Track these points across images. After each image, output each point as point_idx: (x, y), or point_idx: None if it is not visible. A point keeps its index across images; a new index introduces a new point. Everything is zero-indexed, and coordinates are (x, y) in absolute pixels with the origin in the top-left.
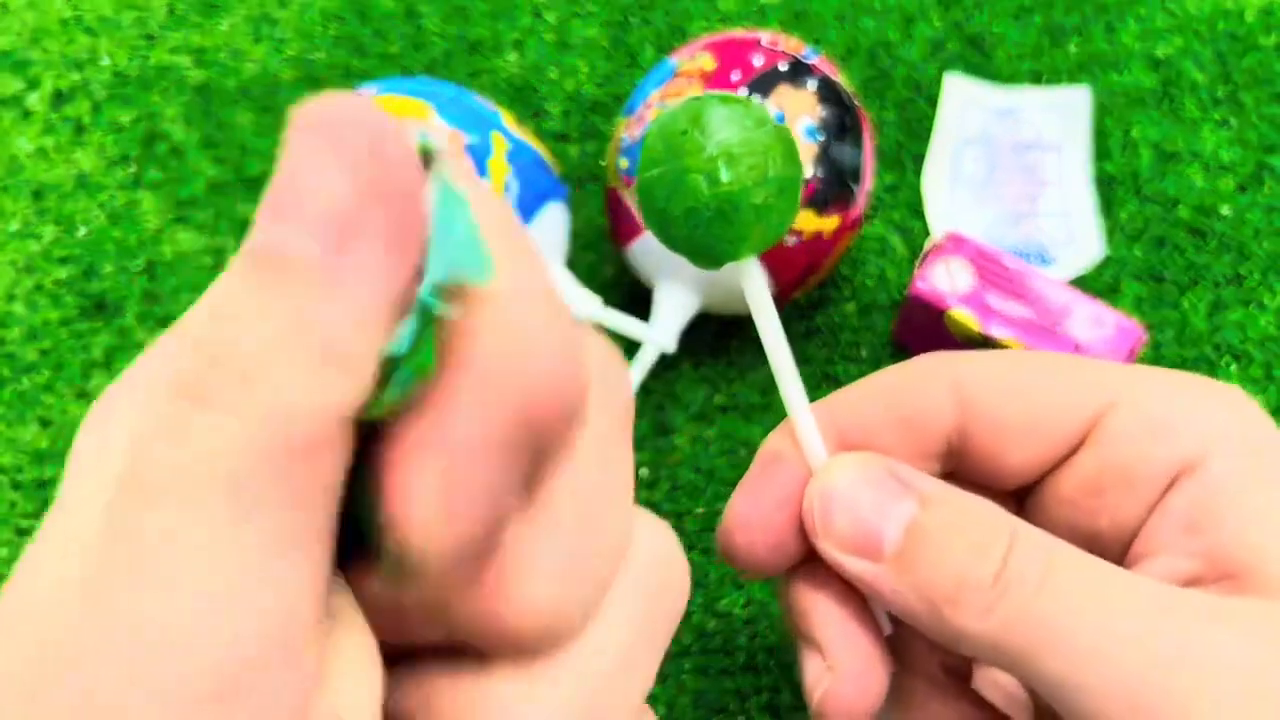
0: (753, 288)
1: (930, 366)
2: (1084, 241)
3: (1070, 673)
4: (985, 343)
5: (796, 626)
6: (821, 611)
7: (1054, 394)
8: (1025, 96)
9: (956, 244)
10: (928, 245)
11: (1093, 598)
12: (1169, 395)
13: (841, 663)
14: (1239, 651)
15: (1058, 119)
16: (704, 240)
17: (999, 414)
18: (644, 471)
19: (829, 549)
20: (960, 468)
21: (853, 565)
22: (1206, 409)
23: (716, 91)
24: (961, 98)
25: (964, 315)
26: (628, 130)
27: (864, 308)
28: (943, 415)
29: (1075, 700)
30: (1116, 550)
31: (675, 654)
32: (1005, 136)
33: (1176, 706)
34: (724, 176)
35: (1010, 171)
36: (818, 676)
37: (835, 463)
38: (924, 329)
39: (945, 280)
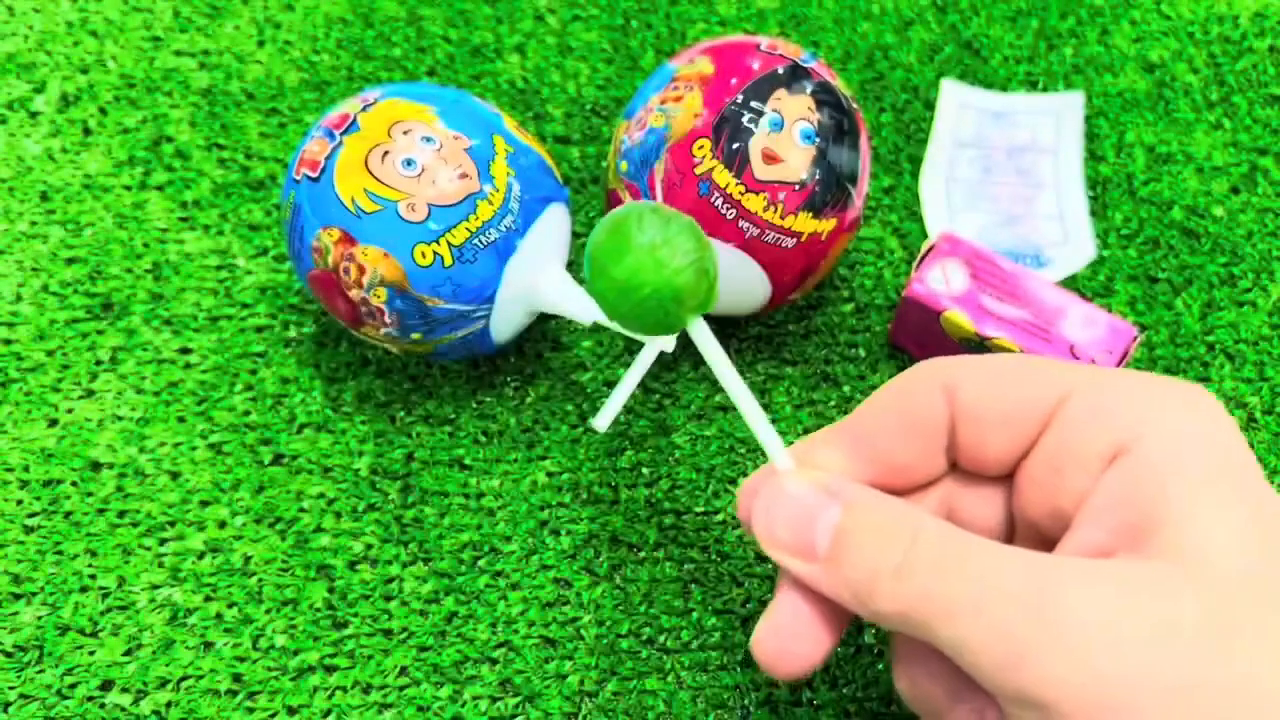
0: (701, 339)
1: (924, 374)
2: (1078, 243)
3: (958, 635)
4: (981, 343)
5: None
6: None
7: (1023, 388)
8: (1019, 101)
9: (952, 246)
10: (924, 247)
11: (977, 573)
12: (1119, 387)
13: (783, 621)
14: (1090, 603)
15: (1052, 122)
16: (655, 322)
17: (979, 409)
18: (644, 471)
19: (776, 554)
20: (959, 460)
21: (796, 567)
22: (1151, 400)
23: (632, 205)
24: (956, 102)
25: (959, 316)
26: (628, 133)
27: (861, 308)
28: (938, 416)
29: (965, 658)
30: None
31: (674, 650)
32: (1000, 140)
33: (1035, 654)
34: (661, 273)
35: (1005, 174)
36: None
37: (776, 480)
38: (920, 330)
39: (941, 282)
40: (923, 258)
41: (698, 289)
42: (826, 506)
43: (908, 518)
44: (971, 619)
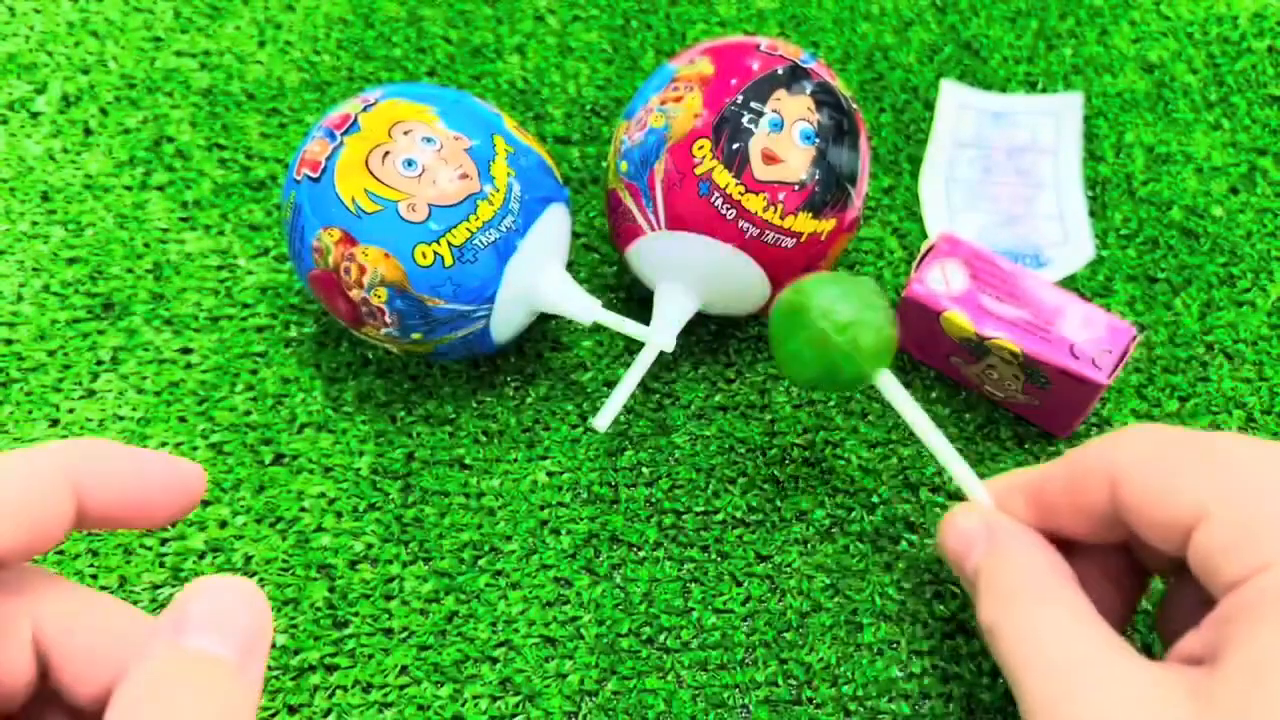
0: (890, 390)
1: (1092, 462)
2: (1077, 243)
3: (1021, 682)
4: (980, 343)
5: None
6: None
7: (1168, 499)
8: (1019, 101)
9: (952, 246)
10: (923, 248)
11: (1051, 640)
12: (1253, 507)
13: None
14: (1122, 698)
15: (1051, 123)
16: (841, 378)
17: (1137, 510)
18: (644, 470)
19: (942, 551)
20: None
21: (954, 566)
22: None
23: (818, 275)
24: (956, 102)
25: (959, 317)
26: (628, 133)
27: None
28: (1103, 507)
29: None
30: None
31: (674, 649)
32: (1000, 140)
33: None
34: (842, 336)
35: (1005, 174)
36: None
37: (961, 508)
38: (920, 329)
39: (940, 282)
40: (922, 258)
41: (876, 348)
42: (978, 544)
43: (1030, 577)
44: (1029, 681)
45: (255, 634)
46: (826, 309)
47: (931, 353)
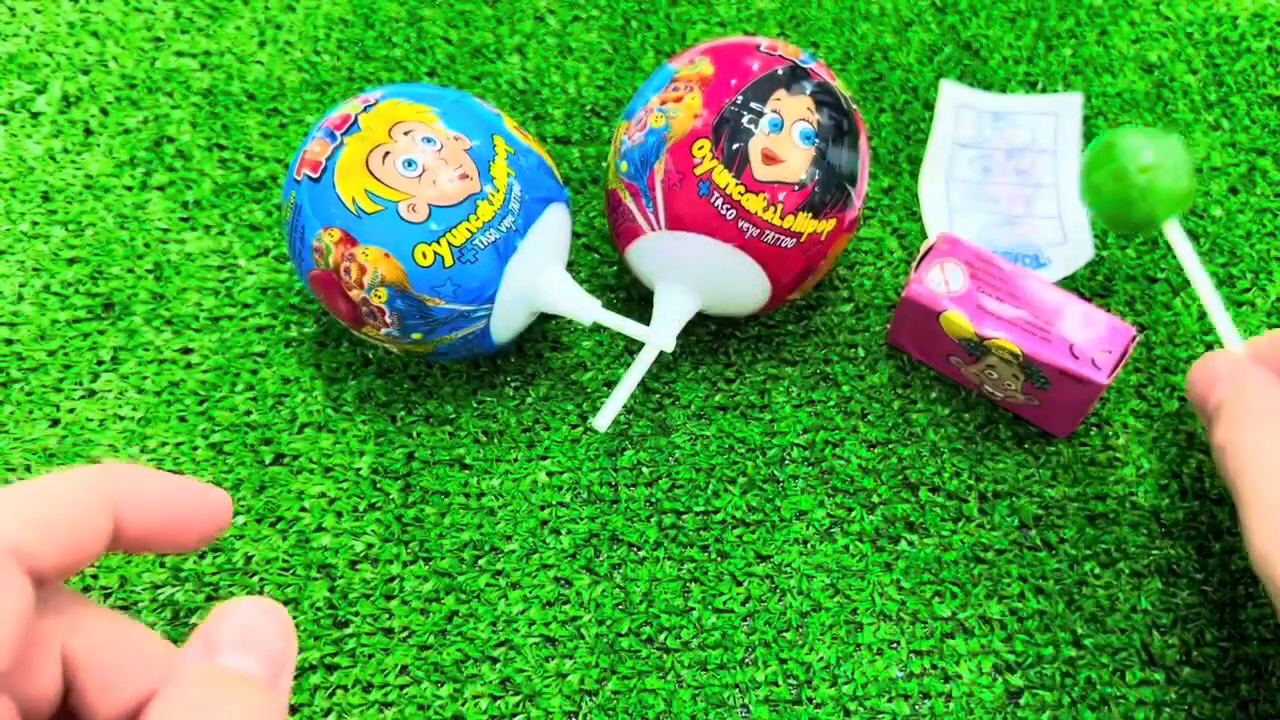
0: (1176, 240)
1: None
2: (1077, 243)
3: (1243, 490)
4: (980, 343)
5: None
6: None
7: None
8: (1018, 102)
9: (951, 246)
10: (923, 248)
11: (1274, 448)
12: None
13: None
14: None
15: (1051, 123)
16: (1133, 217)
17: None
18: (644, 470)
19: (1191, 391)
20: None
21: (1198, 404)
22: None
23: (1135, 127)
24: (955, 102)
25: (958, 317)
26: (628, 134)
27: (860, 308)
28: None
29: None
30: None
31: (674, 648)
32: (999, 140)
33: None
34: (1142, 176)
35: (1004, 174)
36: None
37: (1212, 353)
38: (919, 330)
39: (940, 283)
40: (922, 258)
41: (1171, 194)
42: (1224, 381)
43: (1255, 411)
44: (1253, 480)
45: (284, 653)
46: (1135, 149)
47: (931, 352)
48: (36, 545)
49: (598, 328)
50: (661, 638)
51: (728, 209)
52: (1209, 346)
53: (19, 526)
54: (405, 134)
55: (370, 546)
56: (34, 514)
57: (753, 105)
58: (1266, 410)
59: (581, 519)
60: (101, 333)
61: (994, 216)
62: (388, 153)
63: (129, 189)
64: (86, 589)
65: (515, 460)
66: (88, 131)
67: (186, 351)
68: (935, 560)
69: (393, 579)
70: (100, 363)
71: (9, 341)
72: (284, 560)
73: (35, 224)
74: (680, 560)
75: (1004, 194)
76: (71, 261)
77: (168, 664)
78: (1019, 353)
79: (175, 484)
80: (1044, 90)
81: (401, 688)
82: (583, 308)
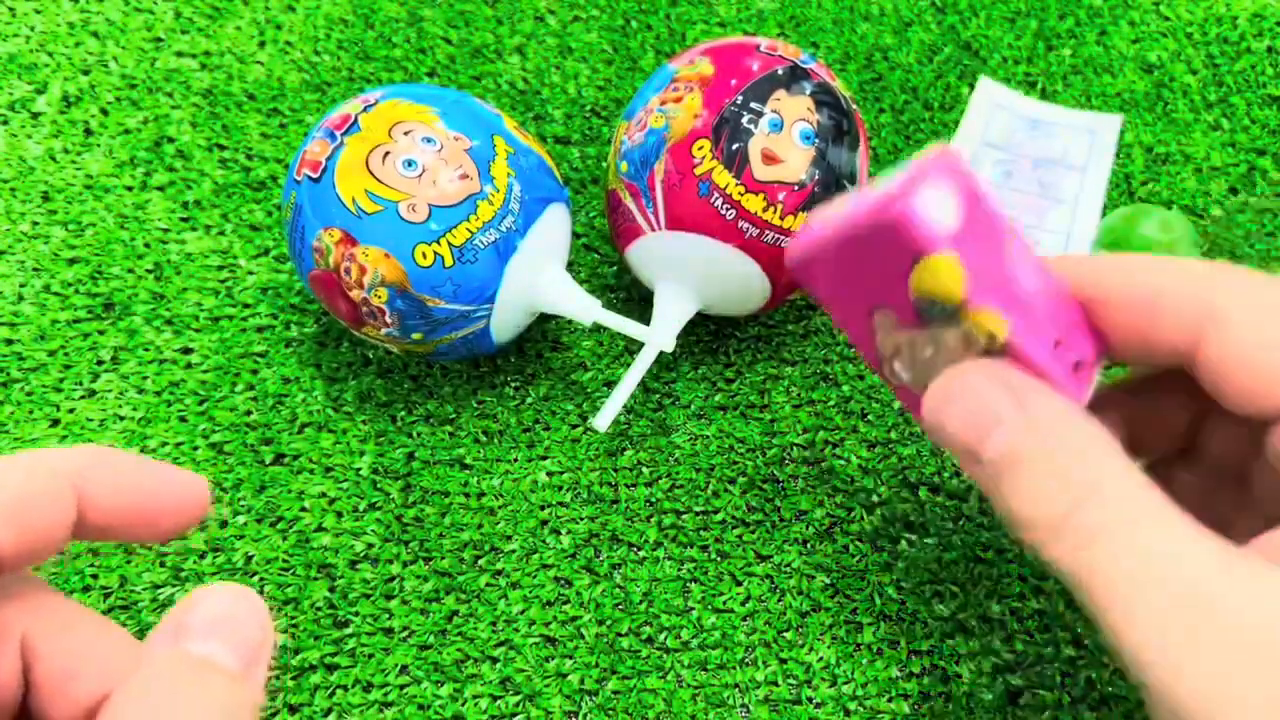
0: None
1: (1182, 285)
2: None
3: (1111, 616)
4: (954, 313)
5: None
6: None
7: None
8: (1057, 113)
9: (949, 168)
10: (911, 163)
11: (1145, 555)
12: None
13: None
14: (1260, 626)
15: (1086, 141)
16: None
17: (1233, 354)
18: (644, 470)
19: (934, 425)
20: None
21: (956, 448)
22: None
23: (1146, 207)
24: (990, 101)
25: (952, 267)
26: (628, 134)
27: None
28: (1177, 335)
29: (1113, 637)
30: None
31: (674, 648)
32: (1030, 148)
33: (1190, 666)
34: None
35: (1027, 184)
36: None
37: (967, 365)
38: (860, 265)
39: (941, 211)
40: (911, 176)
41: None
42: (1005, 419)
43: (1090, 463)
44: (1126, 603)
45: (258, 642)
46: (1138, 229)
47: (850, 297)
48: None
49: (598, 328)
50: (661, 637)
51: (727, 209)
52: None
53: None
54: (405, 134)
55: (370, 546)
56: None
57: (752, 105)
58: (1114, 494)
59: (581, 519)
60: (102, 333)
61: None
62: (388, 153)
63: (129, 189)
64: (86, 589)
65: (515, 460)
66: (88, 132)
67: (187, 351)
68: (935, 560)
69: (393, 579)
70: (100, 363)
71: (9, 341)
72: (284, 560)
73: (35, 224)
74: (680, 560)
75: (1020, 202)
76: (72, 261)
77: (134, 658)
78: (1001, 340)
79: (148, 468)
80: (1043, 90)
81: (401, 688)
82: (583, 308)
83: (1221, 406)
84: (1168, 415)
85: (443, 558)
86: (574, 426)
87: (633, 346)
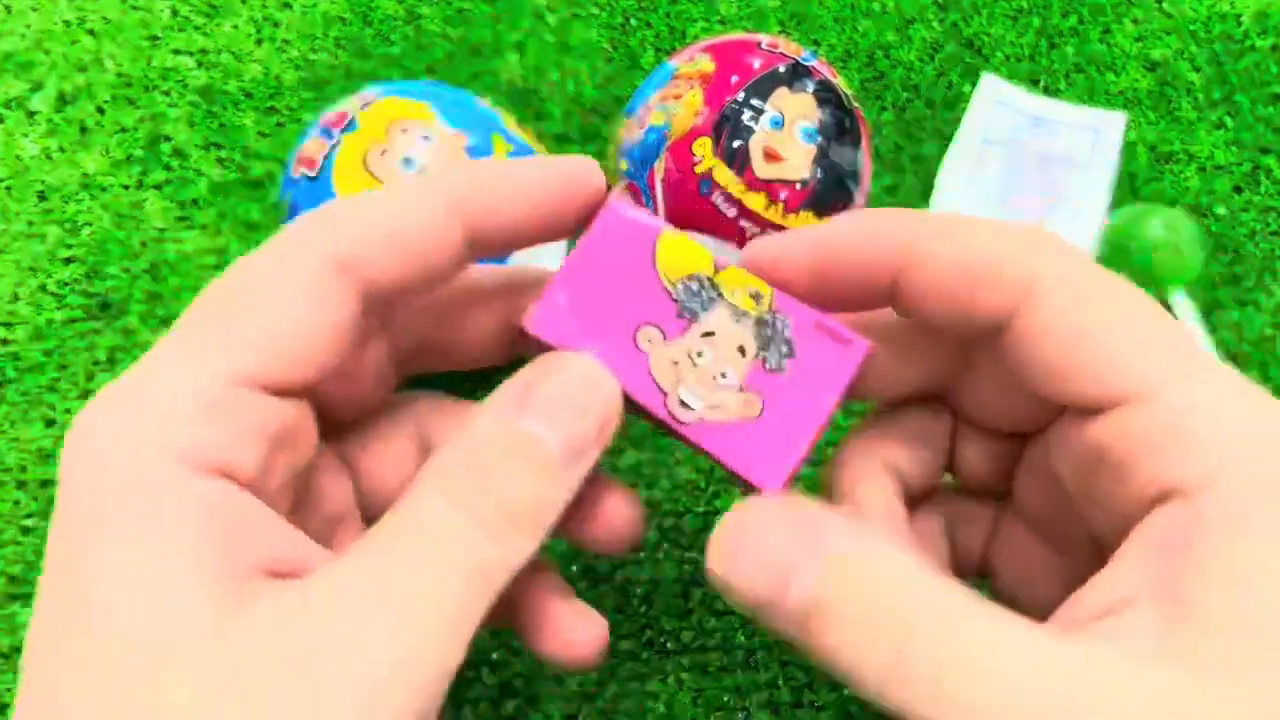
0: (1180, 310)
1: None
2: None
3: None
4: (708, 284)
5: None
6: None
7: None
8: (1062, 110)
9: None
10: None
11: (985, 676)
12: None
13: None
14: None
15: (1090, 139)
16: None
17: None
18: (644, 471)
19: (723, 585)
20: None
21: (750, 604)
22: (1238, 430)
23: (1151, 207)
24: (993, 98)
25: (686, 240)
26: (628, 132)
27: None
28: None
29: None
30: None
31: (674, 651)
32: (1033, 145)
33: None
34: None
35: (1030, 181)
36: None
37: (750, 507)
38: (604, 284)
39: (642, 211)
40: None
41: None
42: (801, 568)
43: (902, 600)
44: None
45: (595, 437)
46: (1143, 228)
47: (607, 324)
48: (367, 257)
49: None
50: (662, 641)
51: (729, 207)
52: (1212, 348)
53: (349, 241)
54: (403, 132)
55: None
56: (364, 227)
57: (754, 103)
58: (950, 648)
59: None
60: (98, 333)
61: (1005, 220)
62: (385, 151)
63: (125, 188)
64: None
65: None
66: (84, 130)
67: None
68: None
69: None
70: (96, 363)
71: (4, 342)
72: None
73: (31, 223)
74: (681, 562)
75: (1024, 200)
76: (68, 261)
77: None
78: (768, 293)
79: (532, 170)
80: (1046, 88)
81: None
82: None
83: (975, 429)
84: (927, 441)
85: None
86: None
87: None
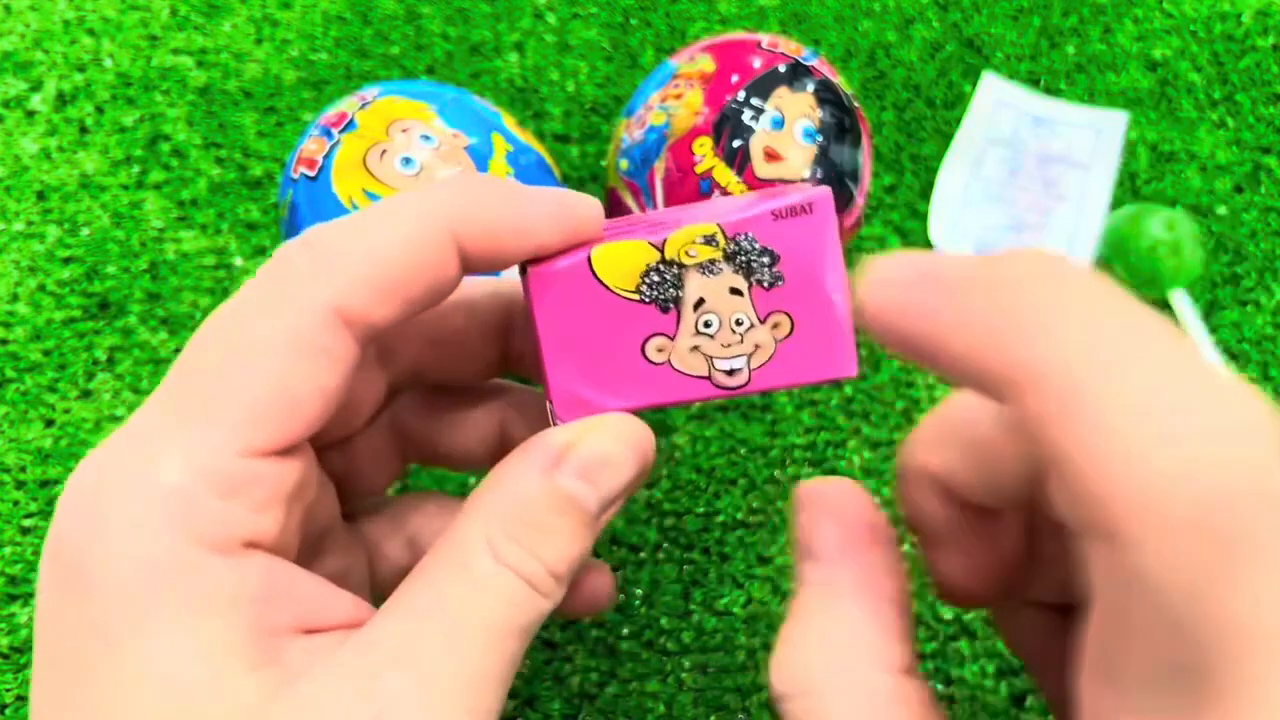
0: (1180, 310)
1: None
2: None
3: None
4: (668, 265)
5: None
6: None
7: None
8: (1062, 110)
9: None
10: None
11: None
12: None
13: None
14: None
15: (1091, 138)
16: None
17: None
18: None
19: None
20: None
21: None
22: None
23: (1151, 206)
24: (994, 98)
25: (616, 246)
26: (628, 131)
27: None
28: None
29: None
30: None
31: (675, 652)
32: (1035, 145)
33: None
34: (1163, 253)
35: (1031, 180)
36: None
37: (811, 488)
38: (580, 330)
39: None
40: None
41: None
42: (806, 552)
43: (827, 658)
44: None
45: (624, 492)
46: (1143, 227)
47: (616, 367)
48: (366, 302)
49: None
50: (662, 641)
51: None
52: (1213, 348)
53: (346, 284)
54: (403, 132)
55: None
56: (362, 267)
57: (754, 102)
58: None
59: None
60: (97, 333)
61: (1006, 219)
62: (385, 150)
63: (125, 188)
64: None
65: None
66: (83, 129)
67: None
68: None
69: None
70: (96, 363)
71: (4, 342)
72: None
73: (30, 223)
74: (681, 562)
75: (1024, 200)
76: (67, 261)
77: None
78: (716, 231)
79: (541, 205)
80: (1047, 88)
81: None
82: None
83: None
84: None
85: None
86: None
87: None
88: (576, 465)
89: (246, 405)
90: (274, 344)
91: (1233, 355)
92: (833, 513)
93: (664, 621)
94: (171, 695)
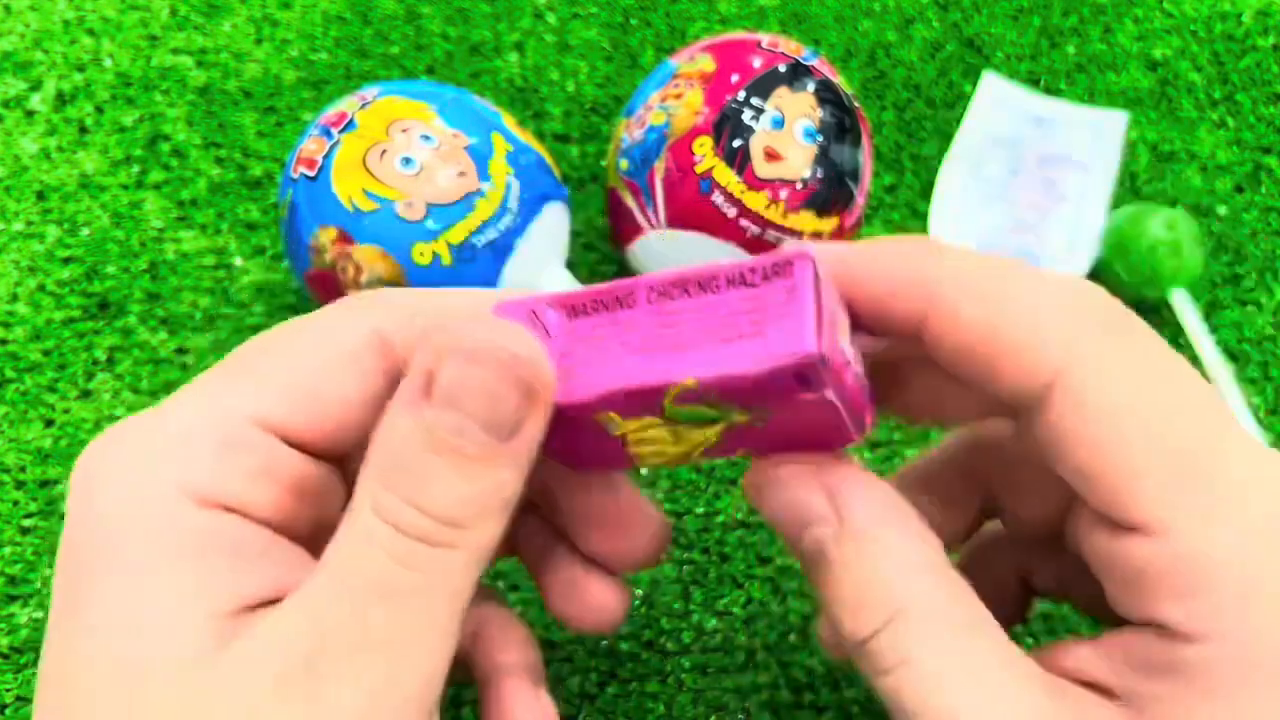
0: (1181, 310)
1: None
2: (1076, 259)
3: None
4: (618, 436)
5: None
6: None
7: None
8: (1062, 109)
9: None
10: None
11: (941, 686)
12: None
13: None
14: None
15: (1090, 138)
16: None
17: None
18: (644, 471)
19: (754, 504)
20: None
21: (774, 525)
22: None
23: (1151, 206)
24: (995, 97)
25: (610, 416)
26: (628, 131)
27: None
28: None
29: None
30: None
31: (674, 652)
32: (1034, 145)
33: None
34: (1163, 253)
35: (1030, 180)
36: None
37: (795, 468)
38: (581, 438)
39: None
40: None
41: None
42: (816, 517)
43: (898, 582)
44: None
45: (522, 404)
46: (1143, 227)
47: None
48: (407, 342)
49: None
50: (661, 641)
51: (729, 207)
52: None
53: (393, 322)
54: (403, 132)
55: None
56: (411, 313)
57: (754, 102)
58: (931, 645)
59: None
60: (97, 333)
61: (1007, 219)
62: (385, 150)
63: (124, 187)
64: None
65: None
66: (83, 129)
67: (182, 351)
68: None
69: None
70: (95, 363)
71: (3, 342)
72: None
73: (30, 223)
74: (680, 562)
75: (1025, 200)
76: (66, 261)
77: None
78: (695, 384)
79: (448, 305)
80: (1047, 88)
81: None
82: None
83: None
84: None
85: None
86: None
87: None
88: (442, 395)
89: (272, 382)
90: (317, 344)
91: (1233, 355)
92: (815, 477)
93: (664, 622)
94: (125, 633)
